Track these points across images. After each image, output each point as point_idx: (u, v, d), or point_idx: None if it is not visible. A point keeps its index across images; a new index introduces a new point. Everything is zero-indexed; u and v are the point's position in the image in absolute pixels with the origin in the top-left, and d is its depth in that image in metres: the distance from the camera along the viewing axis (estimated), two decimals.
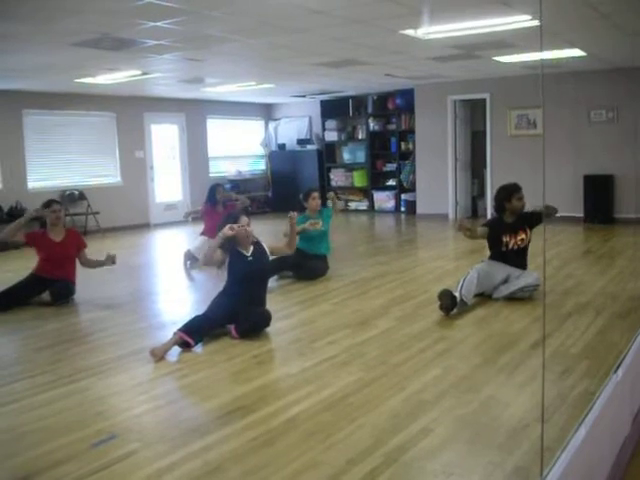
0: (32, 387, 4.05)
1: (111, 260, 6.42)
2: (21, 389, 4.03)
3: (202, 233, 8.83)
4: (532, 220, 6.01)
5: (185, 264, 8.38)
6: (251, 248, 5.20)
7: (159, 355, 4.50)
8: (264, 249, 5.32)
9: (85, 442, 3.21)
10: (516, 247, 5.99)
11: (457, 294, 5.50)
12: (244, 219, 5.13)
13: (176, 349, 4.64)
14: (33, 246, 6.49)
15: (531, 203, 6.04)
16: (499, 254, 6.02)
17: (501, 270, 5.94)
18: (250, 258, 5.14)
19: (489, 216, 11.11)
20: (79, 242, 6.63)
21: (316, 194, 7.49)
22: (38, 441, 3.25)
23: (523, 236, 5.98)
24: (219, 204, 8.92)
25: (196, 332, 4.72)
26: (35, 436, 3.32)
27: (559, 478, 2.06)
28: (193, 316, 4.91)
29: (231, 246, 5.11)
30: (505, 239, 5.98)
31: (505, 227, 6.01)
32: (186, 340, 4.65)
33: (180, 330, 4.68)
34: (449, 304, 5.41)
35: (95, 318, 5.90)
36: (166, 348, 4.59)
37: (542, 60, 9.41)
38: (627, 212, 10.94)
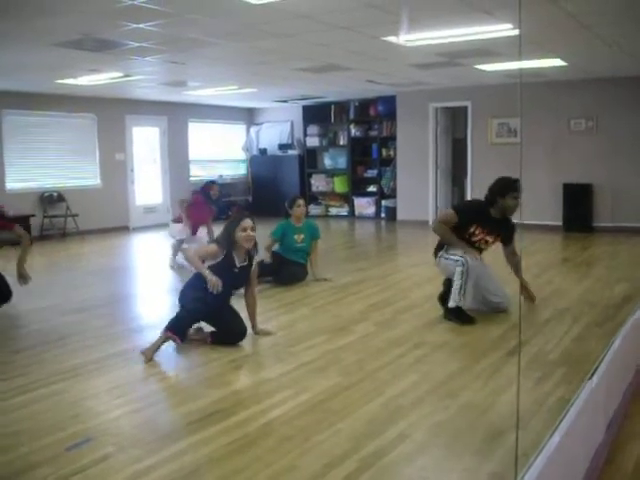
0: (7, 390, 4.00)
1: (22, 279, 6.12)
2: None
3: (177, 220, 8.61)
4: (511, 236, 5.62)
5: (174, 256, 8.30)
6: (244, 258, 4.99)
7: (149, 356, 4.49)
8: (252, 264, 5.10)
9: (60, 445, 3.18)
10: (477, 245, 5.44)
11: (457, 303, 5.30)
12: (247, 221, 4.89)
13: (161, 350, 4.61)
14: None
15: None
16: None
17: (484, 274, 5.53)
18: (237, 270, 4.94)
19: None
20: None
21: (301, 201, 7.46)
22: (12, 444, 3.21)
23: (490, 240, 5.48)
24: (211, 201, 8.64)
25: (182, 329, 4.70)
26: (9, 439, 3.28)
27: None
28: (176, 313, 4.81)
29: (228, 248, 4.90)
30: (472, 229, 5.39)
31: (483, 218, 5.41)
32: (174, 338, 4.63)
33: (167, 329, 4.64)
34: (466, 317, 5.32)
35: (72, 321, 5.84)
36: (154, 348, 4.56)
37: (521, 69, 9.48)
38: (605, 221, 11.07)
